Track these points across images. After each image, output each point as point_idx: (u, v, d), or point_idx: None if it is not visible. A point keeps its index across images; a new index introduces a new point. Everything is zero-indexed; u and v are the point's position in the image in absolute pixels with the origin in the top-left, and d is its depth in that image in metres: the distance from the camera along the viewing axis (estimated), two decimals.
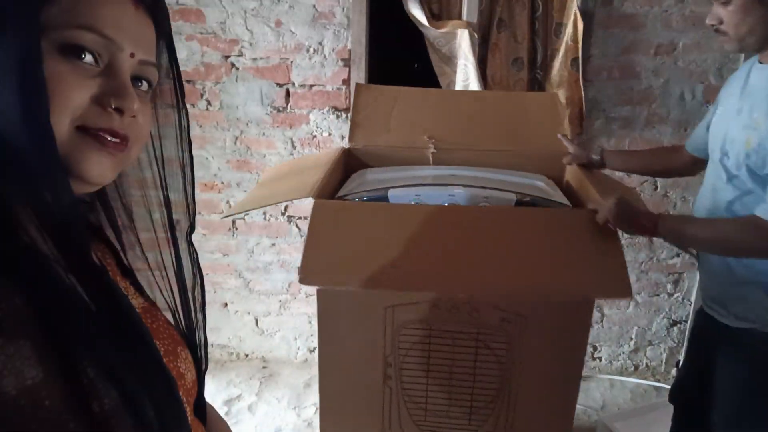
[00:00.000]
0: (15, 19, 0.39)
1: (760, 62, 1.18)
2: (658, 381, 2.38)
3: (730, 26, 1.14)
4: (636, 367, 2.46)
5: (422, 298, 1.12)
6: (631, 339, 2.42)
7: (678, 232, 1.14)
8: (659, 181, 2.21)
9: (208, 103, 2.13)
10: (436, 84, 2.17)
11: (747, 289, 1.21)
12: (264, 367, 2.43)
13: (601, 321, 2.40)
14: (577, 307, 1.10)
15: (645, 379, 2.38)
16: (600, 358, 2.46)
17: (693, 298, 2.33)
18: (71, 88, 0.43)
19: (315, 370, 1.37)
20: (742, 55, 1.17)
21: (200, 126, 2.16)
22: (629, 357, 2.45)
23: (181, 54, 2.05)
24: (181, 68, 2.20)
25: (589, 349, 2.43)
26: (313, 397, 2.24)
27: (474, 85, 2.01)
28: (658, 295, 2.36)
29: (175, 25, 2.02)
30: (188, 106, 2.13)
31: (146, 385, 0.43)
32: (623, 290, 1.03)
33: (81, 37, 0.43)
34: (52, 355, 0.37)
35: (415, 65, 2.59)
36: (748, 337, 1.22)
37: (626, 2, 2.00)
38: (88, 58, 0.44)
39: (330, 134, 2.17)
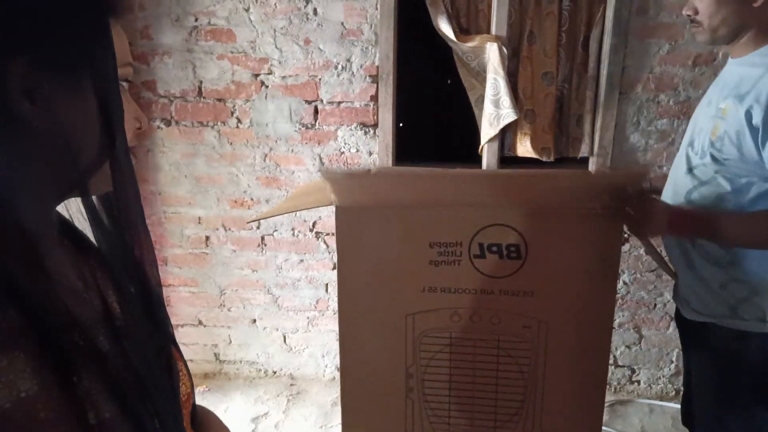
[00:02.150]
0: (98, 58, 0.42)
1: (732, 58, 1.22)
2: None
3: (705, 16, 1.16)
4: (677, 392, 2.34)
5: (442, 305, 1.11)
6: (672, 362, 2.31)
7: (710, 231, 1.13)
8: None
9: (238, 120, 2.16)
10: (465, 98, 2.15)
11: (697, 278, 1.23)
12: (292, 385, 2.42)
13: (639, 343, 2.30)
14: (598, 310, 1.09)
15: None
16: (639, 382, 2.35)
17: None
18: (129, 117, 0.50)
19: None
20: None
21: (230, 143, 2.19)
22: (670, 380, 2.34)
23: (212, 73, 2.09)
24: (212, 87, 2.21)
25: (628, 373, 2.34)
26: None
27: (505, 99, 1.98)
28: None
29: (207, 44, 2.06)
30: (219, 123, 2.16)
31: (149, 397, 0.43)
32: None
33: (128, 72, 0.50)
34: (47, 367, 0.36)
35: (448, 81, 2.58)
36: (709, 333, 1.23)
37: (662, 11, 1.94)
38: (126, 85, 0.51)
39: (358, 150, 2.16)
